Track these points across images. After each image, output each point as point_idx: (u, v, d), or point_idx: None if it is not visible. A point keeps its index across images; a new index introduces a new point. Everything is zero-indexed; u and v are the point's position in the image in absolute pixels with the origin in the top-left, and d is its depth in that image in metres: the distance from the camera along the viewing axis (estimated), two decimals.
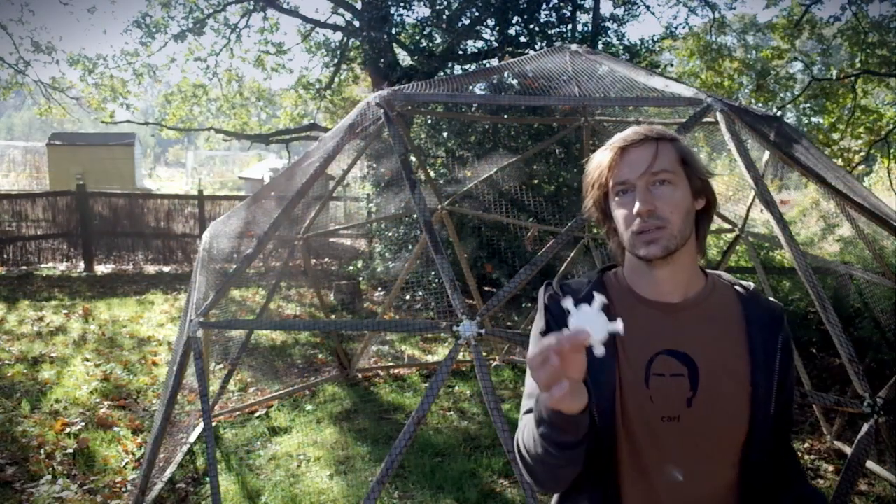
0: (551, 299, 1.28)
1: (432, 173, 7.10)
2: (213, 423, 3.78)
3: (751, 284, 1.29)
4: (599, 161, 1.25)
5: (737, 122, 2.83)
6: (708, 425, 1.17)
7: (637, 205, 1.17)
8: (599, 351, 0.92)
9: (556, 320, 1.24)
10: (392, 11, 9.34)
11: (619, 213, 1.22)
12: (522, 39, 8.96)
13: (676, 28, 11.36)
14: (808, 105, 12.32)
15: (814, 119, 12.45)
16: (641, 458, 1.20)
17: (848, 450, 3.92)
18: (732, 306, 1.25)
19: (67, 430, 4.28)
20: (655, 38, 9.33)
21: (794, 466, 1.28)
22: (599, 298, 0.96)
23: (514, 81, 4.63)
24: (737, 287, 1.28)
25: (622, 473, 1.21)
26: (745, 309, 1.24)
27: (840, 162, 10.20)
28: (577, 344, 0.91)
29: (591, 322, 0.92)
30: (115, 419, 4.54)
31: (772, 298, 1.31)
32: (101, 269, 10.48)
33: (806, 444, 4.33)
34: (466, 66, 9.37)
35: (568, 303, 0.95)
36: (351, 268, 9.49)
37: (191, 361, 3.01)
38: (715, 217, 1.31)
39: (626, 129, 1.25)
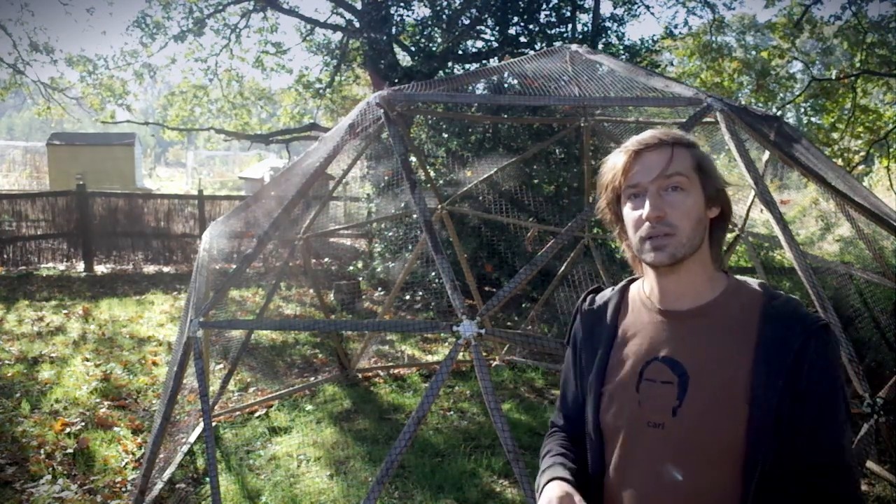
0: (580, 306, 1.40)
1: (432, 173, 7.10)
2: (213, 423, 3.78)
3: (784, 296, 1.20)
4: (613, 163, 1.25)
5: (737, 122, 2.84)
6: (692, 437, 1.15)
7: (647, 209, 1.17)
8: None
9: (573, 326, 1.39)
10: (392, 11, 9.34)
11: (629, 217, 1.22)
12: (522, 39, 8.97)
13: (676, 28, 11.36)
14: (808, 105, 12.33)
15: (814, 119, 12.45)
16: (629, 459, 1.23)
17: None
18: (749, 318, 1.18)
19: (67, 430, 4.28)
20: (655, 38, 9.34)
21: None
22: None
23: (514, 81, 4.63)
24: (766, 297, 1.20)
25: (608, 472, 1.27)
26: (763, 321, 1.16)
27: (840, 162, 10.20)
28: None
29: None
30: (115, 419, 4.53)
31: (814, 313, 1.18)
32: (101, 269, 10.47)
33: None
34: (466, 66, 9.38)
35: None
36: (351, 268, 9.49)
37: (191, 361, 3.01)
38: None
39: (644, 132, 1.24)
